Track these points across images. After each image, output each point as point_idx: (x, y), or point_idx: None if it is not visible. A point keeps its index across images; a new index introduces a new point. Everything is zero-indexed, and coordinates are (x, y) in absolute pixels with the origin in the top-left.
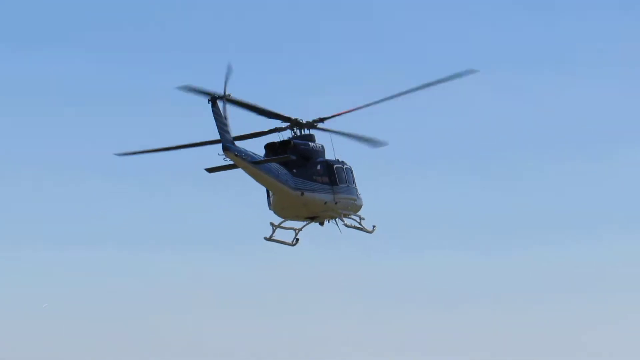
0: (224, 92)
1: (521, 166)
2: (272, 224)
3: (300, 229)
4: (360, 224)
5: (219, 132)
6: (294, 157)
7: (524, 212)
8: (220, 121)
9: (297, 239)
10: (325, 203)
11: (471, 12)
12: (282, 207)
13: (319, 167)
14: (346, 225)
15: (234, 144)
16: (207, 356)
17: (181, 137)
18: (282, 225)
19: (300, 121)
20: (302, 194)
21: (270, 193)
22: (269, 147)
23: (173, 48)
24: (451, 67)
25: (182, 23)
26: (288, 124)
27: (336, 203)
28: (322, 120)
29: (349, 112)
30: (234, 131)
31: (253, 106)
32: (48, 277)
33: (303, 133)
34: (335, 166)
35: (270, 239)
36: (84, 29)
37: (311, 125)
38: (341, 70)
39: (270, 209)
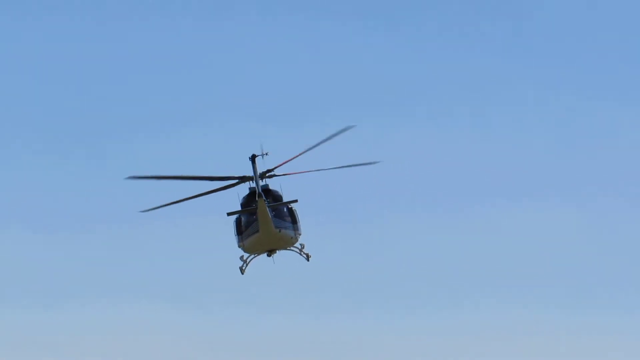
0: (262, 152)
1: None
2: (243, 258)
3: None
4: (302, 252)
5: (256, 184)
6: (297, 200)
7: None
8: (256, 175)
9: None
10: (291, 238)
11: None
12: (261, 243)
13: (285, 209)
14: (304, 254)
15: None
16: None
17: None
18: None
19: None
20: (280, 231)
21: (244, 232)
22: (251, 194)
23: None
24: None
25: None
26: (237, 181)
27: (297, 237)
28: (270, 171)
29: (290, 160)
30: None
31: (206, 177)
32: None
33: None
34: (293, 208)
35: (244, 270)
36: None
37: (263, 175)
38: None
39: (242, 245)
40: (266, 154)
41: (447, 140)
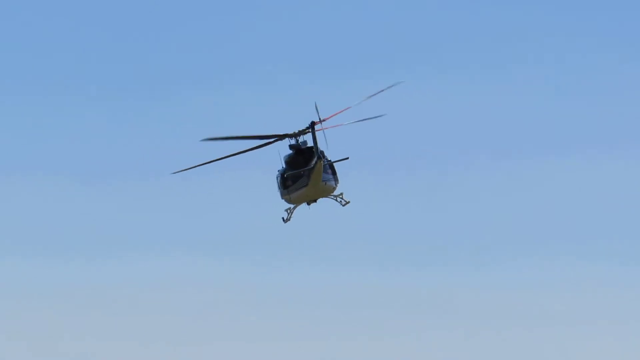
0: (319, 118)
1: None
2: (288, 210)
3: (294, 209)
4: (343, 198)
5: (315, 148)
6: (348, 157)
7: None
8: (316, 141)
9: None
10: (333, 188)
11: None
12: (308, 195)
13: (326, 163)
14: (343, 200)
15: None
16: None
17: None
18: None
19: (295, 132)
20: (325, 183)
21: (291, 186)
22: (293, 147)
23: None
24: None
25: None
26: (276, 139)
27: (336, 187)
28: (314, 124)
29: (334, 115)
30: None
31: (253, 136)
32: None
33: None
34: (332, 161)
35: (287, 220)
36: None
37: (303, 132)
38: None
39: (287, 198)
40: (323, 120)
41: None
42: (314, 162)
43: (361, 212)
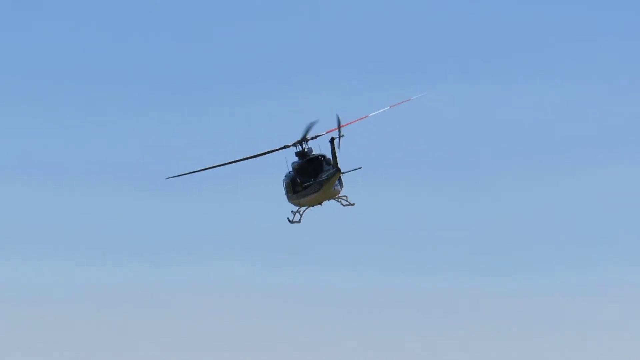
0: (339, 134)
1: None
2: (299, 212)
3: (304, 211)
4: (347, 200)
5: (334, 158)
6: (361, 167)
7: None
8: (335, 154)
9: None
10: (339, 191)
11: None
12: (319, 199)
13: (327, 167)
14: (346, 201)
15: None
16: None
17: None
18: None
19: (300, 140)
20: (334, 189)
21: (302, 191)
22: (300, 154)
23: None
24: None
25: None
26: (279, 148)
27: (340, 191)
28: (333, 139)
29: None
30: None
31: (258, 154)
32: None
33: (304, 148)
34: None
35: (293, 221)
36: None
37: (309, 139)
38: None
39: (297, 202)
40: (343, 136)
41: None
42: (332, 171)
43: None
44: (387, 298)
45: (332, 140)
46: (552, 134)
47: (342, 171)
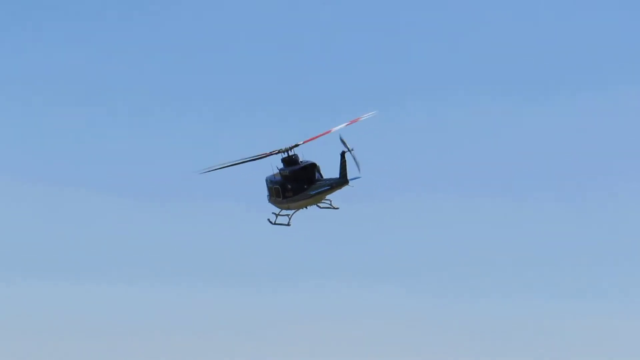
0: (348, 148)
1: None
2: (277, 214)
3: (292, 214)
4: (331, 204)
5: (343, 171)
6: (360, 176)
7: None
8: (344, 167)
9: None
10: (326, 196)
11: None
12: (308, 203)
13: (318, 174)
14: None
15: None
16: None
17: None
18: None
19: (286, 148)
20: (316, 195)
21: (292, 196)
22: (287, 160)
23: None
24: None
25: None
26: (268, 153)
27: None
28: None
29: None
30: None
31: (248, 159)
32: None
33: (291, 154)
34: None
35: (276, 223)
36: None
37: (293, 147)
38: None
39: (286, 206)
40: (352, 150)
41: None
42: (339, 181)
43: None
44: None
45: (343, 154)
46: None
47: (318, 174)
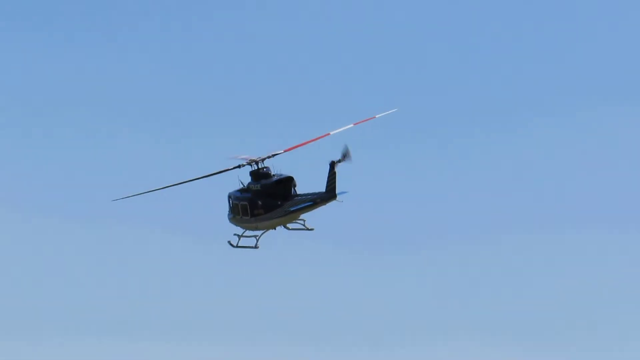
0: (346, 159)
1: None
2: (240, 235)
3: (261, 235)
4: (304, 225)
5: (331, 183)
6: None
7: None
8: (334, 178)
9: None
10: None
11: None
12: (282, 223)
13: (294, 191)
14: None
15: None
16: None
17: None
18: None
19: (256, 159)
20: (296, 212)
21: (263, 215)
22: (256, 174)
23: None
24: None
25: None
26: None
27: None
28: (334, 163)
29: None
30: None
31: (215, 172)
32: None
33: (260, 167)
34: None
35: (238, 246)
36: None
37: (264, 159)
38: None
39: (254, 227)
40: (341, 160)
41: None
42: (326, 196)
43: None
44: None
45: (332, 164)
46: None
47: (294, 190)
